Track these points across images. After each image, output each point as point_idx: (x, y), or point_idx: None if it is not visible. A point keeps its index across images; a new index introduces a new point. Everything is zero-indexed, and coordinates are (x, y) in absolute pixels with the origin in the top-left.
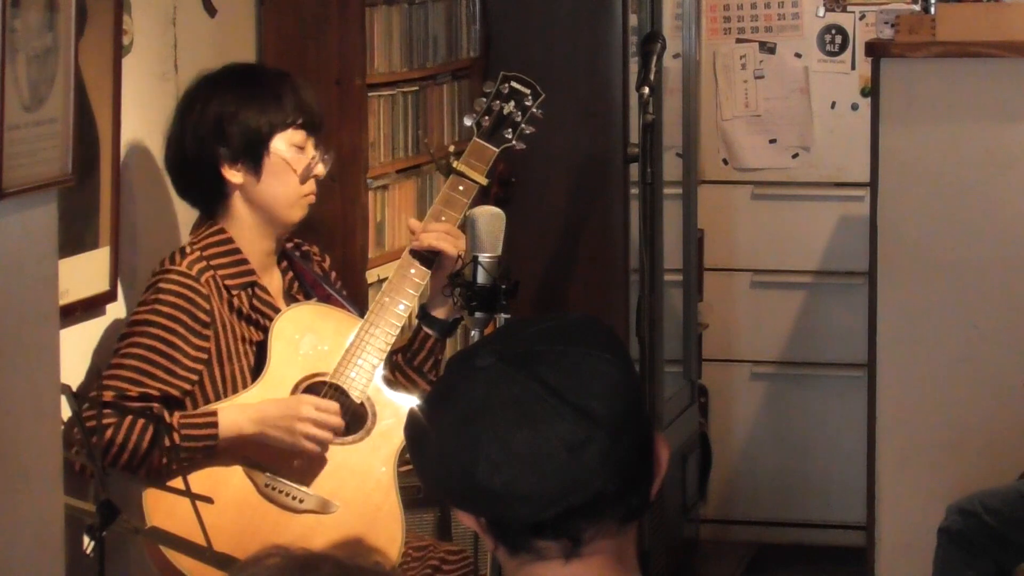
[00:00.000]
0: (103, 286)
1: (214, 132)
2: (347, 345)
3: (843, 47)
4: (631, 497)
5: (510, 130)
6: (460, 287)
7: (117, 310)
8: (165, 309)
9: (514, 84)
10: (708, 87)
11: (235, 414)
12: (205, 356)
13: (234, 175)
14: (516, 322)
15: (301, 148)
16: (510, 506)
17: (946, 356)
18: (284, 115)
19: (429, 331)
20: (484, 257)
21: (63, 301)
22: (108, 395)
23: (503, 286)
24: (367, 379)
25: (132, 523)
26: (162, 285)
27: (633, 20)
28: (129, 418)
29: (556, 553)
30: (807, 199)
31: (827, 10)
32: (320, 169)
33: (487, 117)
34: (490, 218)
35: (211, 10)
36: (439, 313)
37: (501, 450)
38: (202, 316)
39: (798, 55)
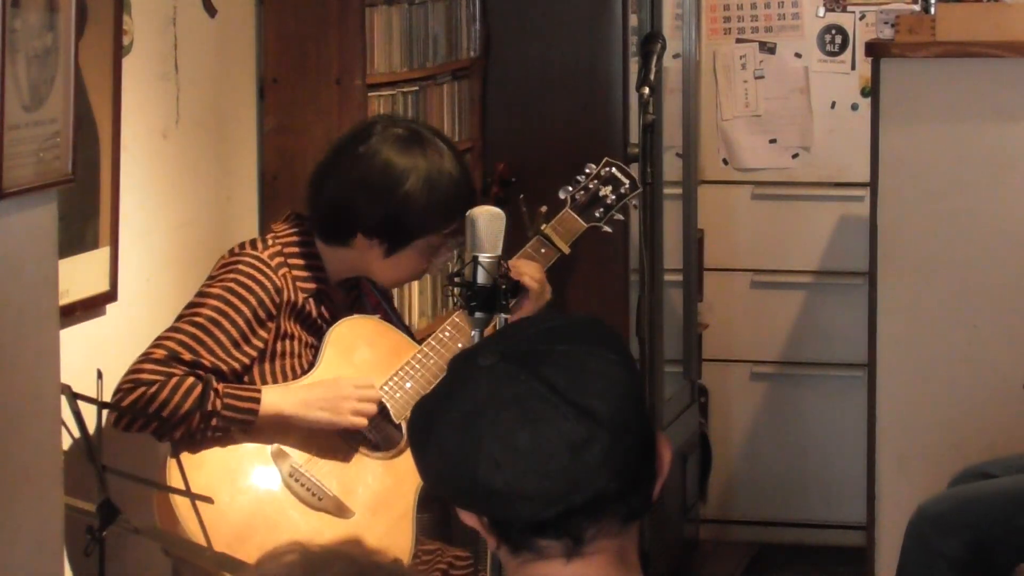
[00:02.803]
0: (103, 286)
1: (370, 201)
2: (398, 366)
3: (843, 47)
4: (633, 497)
5: (601, 210)
6: (460, 287)
7: (117, 310)
8: (238, 289)
9: (615, 171)
10: (708, 87)
11: (278, 394)
12: (261, 345)
13: (364, 243)
14: (519, 321)
15: (438, 247)
16: (512, 505)
17: (946, 356)
18: (444, 226)
19: None
20: (484, 257)
21: (63, 301)
22: (160, 353)
23: (503, 286)
24: (409, 404)
25: (132, 523)
26: (240, 266)
27: (633, 20)
28: (176, 377)
29: (558, 552)
30: (807, 199)
31: (827, 10)
32: (452, 255)
33: (583, 192)
34: (490, 218)
35: (211, 10)
36: None
37: (503, 449)
38: (269, 306)
39: (798, 55)
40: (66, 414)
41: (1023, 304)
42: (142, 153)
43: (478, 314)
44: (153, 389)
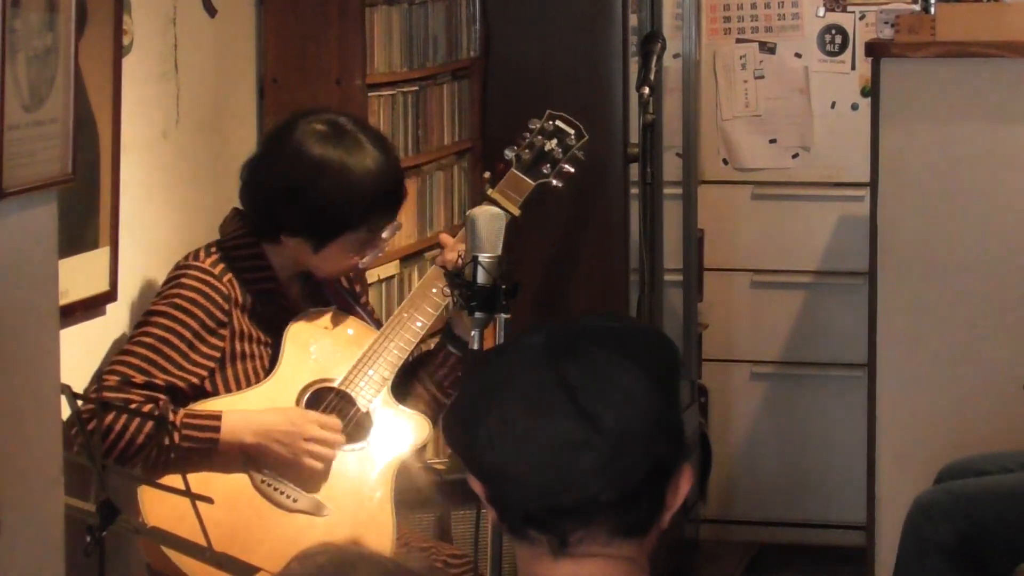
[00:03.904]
0: (103, 286)
1: (285, 201)
2: (360, 355)
3: (843, 47)
4: (629, 513)
5: (549, 166)
6: (460, 287)
7: (117, 310)
8: (182, 303)
9: (559, 123)
10: (708, 87)
11: (238, 422)
12: (218, 354)
13: (290, 240)
14: (587, 314)
15: (365, 243)
16: (502, 485)
17: (946, 356)
18: (365, 224)
19: (453, 350)
20: (484, 257)
21: (63, 301)
22: (113, 380)
23: (503, 286)
24: (375, 390)
25: (132, 523)
26: (183, 280)
27: (633, 20)
28: (133, 405)
29: (544, 547)
30: (807, 199)
31: (827, 10)
32: (383, 246)
33: (528, 151)
34: (490, 218)
35: (211, 10)
36: (463, 333)
37: (501, 428)
38: (219, 315)
39: (798, 55)
40: (66, 414)
41: (1023, 304)
42: (142, 153)
43: (478, 314)
44: (108, 419)
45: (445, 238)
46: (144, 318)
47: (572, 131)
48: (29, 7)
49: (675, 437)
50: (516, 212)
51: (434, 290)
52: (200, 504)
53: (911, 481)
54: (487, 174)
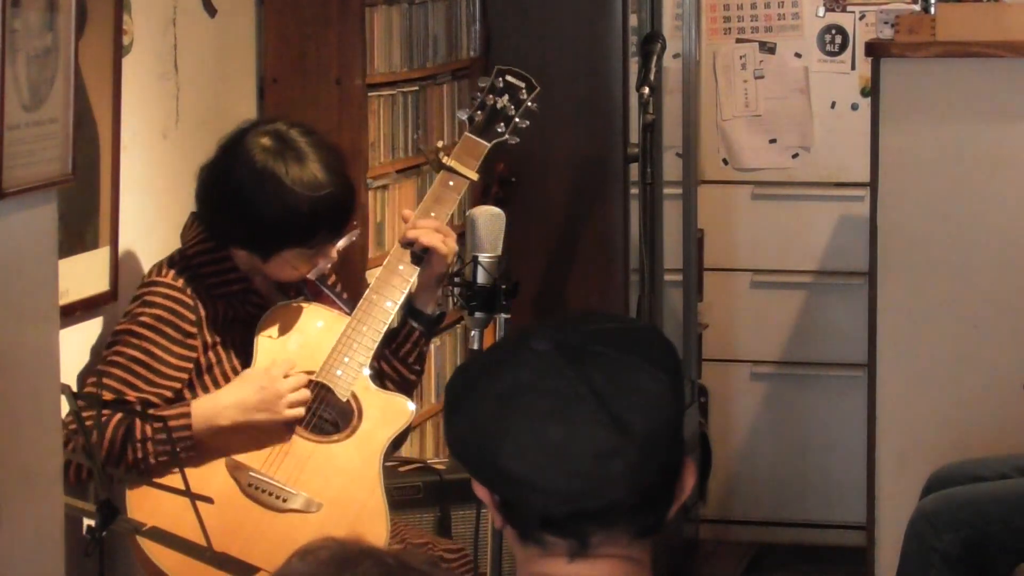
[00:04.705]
0: (103, 286)
1: (224, 217)
2: (334, 343)
3: (843, 47)
4: (646, 515)
5: (503, 124)
6: (460, 287)
7: (117, 310)
8: (148, 320)
9: (508, 78)
10: (708, 87)
11: (209, 404)
12: (190, 365)
13: (239, 252)
14: (581, 314)
15: (310, 257)
16: (525, 494)
17: (946, 356)
18: (303, 242)
19: (415, 325)
20: (484, 257)
21: (63, 301)
22: (82, 402)
23: (503, 286)
24: (353, 377)
25: (132, 523)
26: (147, 298)
27: (633, 20)
28: (103, 414)
29: (562, 550)
30: (807, 199)
31: (827, 10)
32: (334, 255)
33: (480, 112)
34: (490, 218)
35: (211, 10)
36: (425, 308)
37: (530, 438)
38: (187, 327)
39: (798, 55)
40: (65, 413)
41: (1023, 304)
42: (142, 153)
43: (478, 314)
44: (81, 437)
45: (407, 213)
46: (113, 338)
47: (523, 84)
48: (29, 7)
49: (682, 432)
50: (474, 176)
51: (401, 267)
52: (187, 511)
53: (911, 481)
54: (440, 143)
